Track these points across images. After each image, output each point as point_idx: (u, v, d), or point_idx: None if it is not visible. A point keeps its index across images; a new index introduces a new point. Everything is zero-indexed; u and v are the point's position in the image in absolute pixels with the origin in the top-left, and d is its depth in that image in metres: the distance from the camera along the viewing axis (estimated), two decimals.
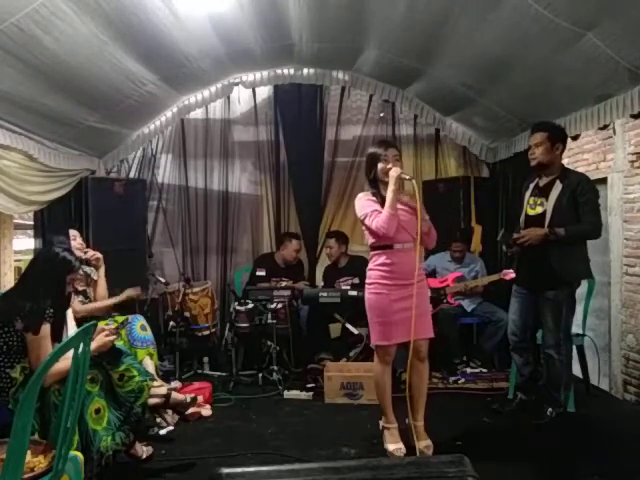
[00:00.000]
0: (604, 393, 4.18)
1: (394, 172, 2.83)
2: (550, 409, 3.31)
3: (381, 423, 3.02)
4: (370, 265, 2.95)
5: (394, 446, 2.92)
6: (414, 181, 2.88)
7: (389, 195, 2.82)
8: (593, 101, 3.28)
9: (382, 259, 2.88)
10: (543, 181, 3.31)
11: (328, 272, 4.97)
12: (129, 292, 3.72)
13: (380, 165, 2.89)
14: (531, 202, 3.36)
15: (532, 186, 3.40)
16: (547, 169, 3.26)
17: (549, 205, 3.21)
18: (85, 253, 3.56)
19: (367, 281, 2.95)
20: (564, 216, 3.16)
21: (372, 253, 2.95)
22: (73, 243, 3.56)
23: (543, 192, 3.28)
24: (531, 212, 3.34)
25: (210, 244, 5.31)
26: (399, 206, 2.86)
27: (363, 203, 2.93)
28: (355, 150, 5.36)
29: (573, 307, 3.32)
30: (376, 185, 2.95)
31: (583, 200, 3.16)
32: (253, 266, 5.01)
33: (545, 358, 3.34)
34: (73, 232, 3.72)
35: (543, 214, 3.24)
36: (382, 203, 2.86)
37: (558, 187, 3.20)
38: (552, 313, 3.25)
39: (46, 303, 2.40)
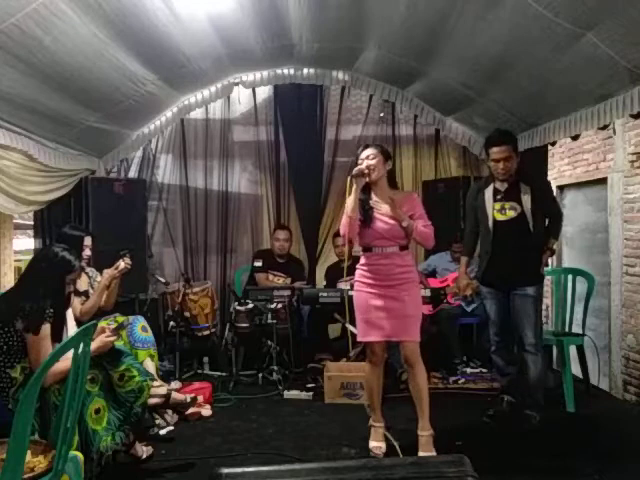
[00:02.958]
0: (604, 393, 4.18)
1: (353, 172, 2.84)
2: (535, 414, 3.27)
3: (370, 420, 3.06)
4: (358, 264, 3.02)
5: (374, 444, 2.98)
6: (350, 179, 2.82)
7: (348, 198, 2.84)
8: (593, 101, 3.28)
9: (364, 260, 2.96)
10: (502, 185, 3.32)
11: (331, 271, 4.98)
12: (106, 273, 3.51)
13: (355, 170, 2.88)
14: (497, 207, 3.32)
15: (490, 191, 3.37)
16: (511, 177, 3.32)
17: (526, 208, 3.23)
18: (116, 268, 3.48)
19: (355, 278, 3.02)
20: (539, 217, 3.26)
21: (361, 253, 3.02)
22: (83, 253, 3.49)
23: (510, 196, 3.29)
24: (501, 217, 3.31)
25: (210, 244, 5.31)
26: (378, 216, 2.88)
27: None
28: (355, 150, 5.34)
29: (542, 303, 3.49)
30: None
31: (548, 196, 3.38)
32: (252, 258, 5.02)
33: (527, 358, 3.30)
34: (88, 241, 3.61)
35: (517, 218, 3.26)
36: (362, 206, 2.88)
37: (526, 189, 3.24)
38: (534, 309, 3.28)
39: (46, 303, 2.40)
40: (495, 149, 3.27)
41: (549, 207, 3.37)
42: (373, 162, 2.89)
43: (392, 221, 2.86)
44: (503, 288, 3.39)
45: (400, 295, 2.85)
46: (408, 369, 2.95)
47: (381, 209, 2.90)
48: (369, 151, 2.94)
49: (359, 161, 2.92)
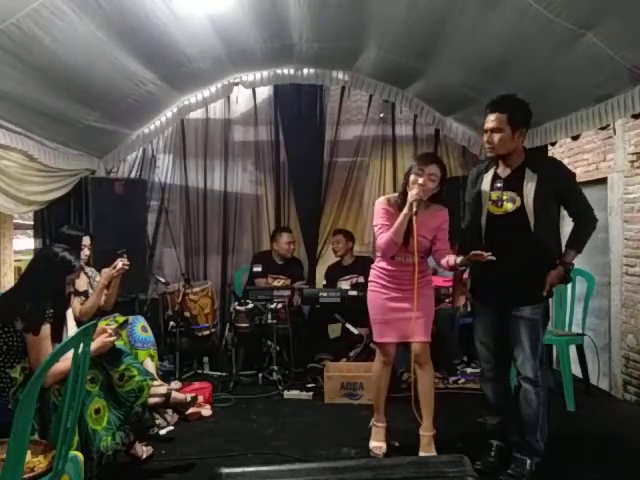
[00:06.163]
0: (604, 393, 4.18)
1: (412, 196, 2.66)
2: (529, 460, 2.62)
3: (372, 420, 3.06)
4: (374, 264, 2.99)
5: (375, 444, 2.98)
6: (414, 213, 2.65)
7: (399, 218, 2.72)
8: (593, 101, 3.28)
9: (383, 264, 2.92)
10: (504, 171, 2.66)
11: (331, 270, 4.97)
12: (105, 273, 3.50)
13: (412, 177, 2.73)
14: (494, 197, 2.63)
15: (489, 177, 2.70)
16: (508, 159, 2.64)
17: (527, 200, 2.54)
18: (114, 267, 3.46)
19: (369, 278, 2.99)
20: (545, 215, 2.57)
21: (377, 253, 2.99)
22: (81, 253, 3.49)
23: (510, 184, 2.61)
24: (497, 211, 2.63)
25: (210, 244, 5.31)
26: (412, 230, 2.70)
27: (377, 211, 2.90)
28: (355, 150, 5.37)
29: (547, 326, 2.73)
30: (405, 194, 2.76)
31: (574, 193, 2.64)
32: (251, 262, 5.01)
33: (520, 392, 2.64)
34: (86, 241, 3.62)
35: (515, 213, 2.58)
36: (400, 212, 2.74)
37: (532, 177, 2.56)
38: (529, 334, 2.58)
39: (46, 303, 2.40)
40: (486, 117, 2.62)
41: (572, 204, 2.63)
42: (433, 185, 2.72)
43: (423, 238, 2.77)
44: (494, 304, 2.71)
45: (419, 295, 2.81)
46: (417, 369, 2.91)
47: (413, 221, 2.69)
48: (435, 169, 2.72)
49: (418, 170, 2.70)
